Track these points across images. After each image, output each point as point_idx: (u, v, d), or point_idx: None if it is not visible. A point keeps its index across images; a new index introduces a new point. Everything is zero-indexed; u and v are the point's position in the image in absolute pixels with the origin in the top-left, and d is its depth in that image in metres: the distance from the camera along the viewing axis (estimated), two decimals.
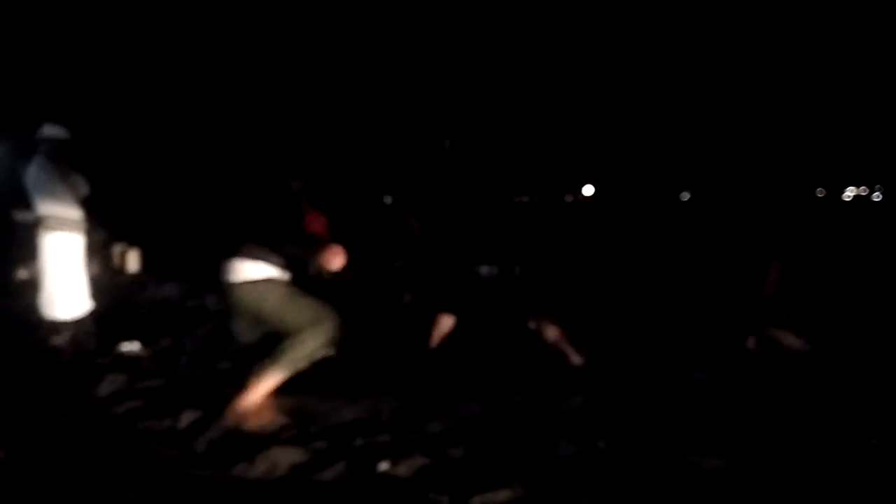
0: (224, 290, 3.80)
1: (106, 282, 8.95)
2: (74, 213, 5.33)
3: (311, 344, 3.65)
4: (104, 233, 10.56)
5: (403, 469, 3.14)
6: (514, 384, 4.43)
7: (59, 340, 5.25)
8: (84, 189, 5.43)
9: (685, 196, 56.49)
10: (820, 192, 55.08)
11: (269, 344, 3.72)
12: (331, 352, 3.88)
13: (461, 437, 3.57)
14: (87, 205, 5.50)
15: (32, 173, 5.27)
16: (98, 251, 10.14)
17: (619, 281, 9.31)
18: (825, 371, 4.77)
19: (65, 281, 5.30)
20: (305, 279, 3.86)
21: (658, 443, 3.49)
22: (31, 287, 6.26)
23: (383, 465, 3.15)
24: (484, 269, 5.11)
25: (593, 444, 3.46)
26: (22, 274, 8.26)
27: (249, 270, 3.64)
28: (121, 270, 10.26)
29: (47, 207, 5.22)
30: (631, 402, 4.12)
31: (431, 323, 5.20)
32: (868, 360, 5.05)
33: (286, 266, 3.73)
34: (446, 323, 5.16)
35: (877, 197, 57.79)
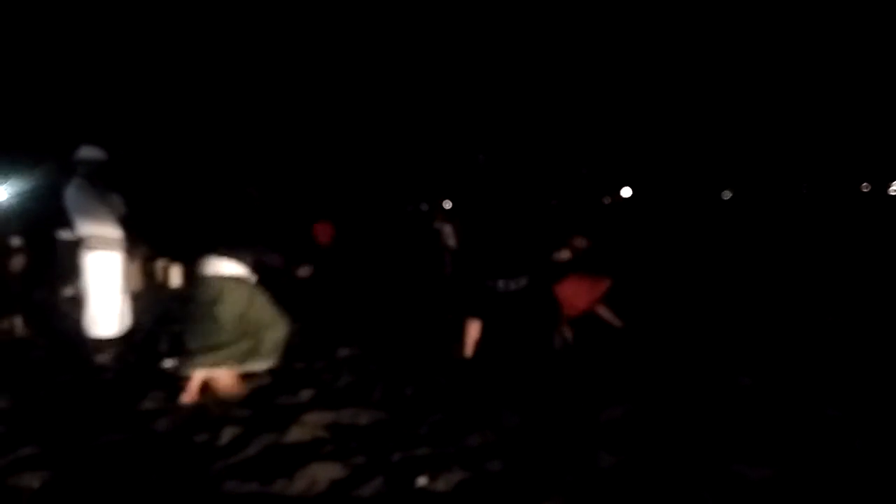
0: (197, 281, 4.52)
1: (149, 297, 9.13)
2: (113, 232, 5.42)
3: (263, 344, 4.48)
4: (147, 249, 10.82)
5: (442, 484, 3.11)
6: (555, 394, 4.38)
7: (103, 358, 5.34)
8: (122, 208, 5.53)
9: (727, 195, 55.69)
10: (866, 187, 53.90)
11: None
12: (275, 358, 4.57)
13: (500, 450, 3.53)
14: (126, 224, 5.60)
15: (71, 194, 5.38)
16: (142, 268, 10.40)
17: (662, 282, 9.18)
18: (874, 375, 4.62)
19: (105, 299, 5.39)
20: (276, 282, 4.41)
21: (701, 453, 3.40)
22: (76, 305, 6.39)
23: (421, 481, 3.13)
24: (503, 283, 5.08)
25: (635, 456, 3.39)
26: (67, 292, 8.42)
27: (221, 267, 4.34)
28: (164, 286, 10.44)
29: (87, 227, 5.32)
30: (674, 411, 4.03)
31: (465, 332, 5.18)
32: None
33: (254, 268, 4.46)
34: (476, 331, 5.16)
35: None
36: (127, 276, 5.60)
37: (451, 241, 11.36)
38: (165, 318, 7.44)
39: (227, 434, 3.78)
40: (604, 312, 6.03)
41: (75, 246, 5.50)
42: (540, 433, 3.75)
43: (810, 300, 7.44)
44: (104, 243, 5.36)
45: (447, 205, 22.90)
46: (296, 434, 3.73)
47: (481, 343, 5.17)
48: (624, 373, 4.81)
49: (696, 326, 6.30)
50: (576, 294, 5.60)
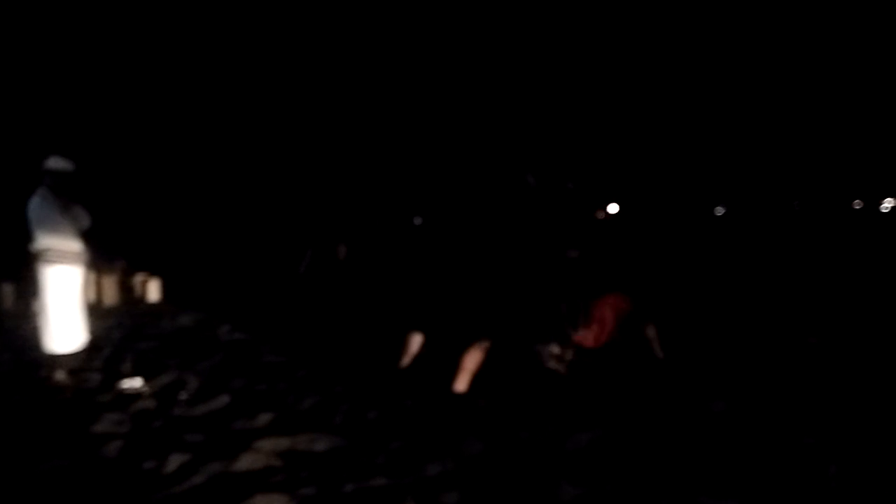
0: None
1: (124, 312, 8.97)
2: (74, 245, 5.26)
3: None
4: (124, 263, 10.67)
5: None
6: (522, 419, 4.22)
7: (61, 376, 5.17)
8: (85, 221, 5.36)
9: (720, 211, 55.67)
10: (858, 204, 53.99)
11: None
12: None
13: (459, 479, 3.37)
14: (100, 237, 5.45)
15: (34, 205, 5.21)
16: (119, 282, 10.24)
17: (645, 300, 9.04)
18: (856, 401, 4.48)
19: (63, 314, 5.22)
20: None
21: (667, 484, 3.26)
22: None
23: None
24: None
25: (598, 487, 3.24)
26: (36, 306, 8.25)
27: None
28: (141, 300, 10.26)
29: (47, 240, 5.16)
30: (642, 438, 3.89)
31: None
32: None
33: None
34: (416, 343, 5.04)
35: None
36: (100, 291, 5.43)
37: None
38: (136, 335, 7.27)
39: (175, 461, 3.62)
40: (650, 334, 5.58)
41: (33, 259, 5.33)
42: (502, 461, 3.60)
43: (794, 320, 7.31)
44: (63, 256, 5.19)
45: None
46: (246, 461, 3.57)
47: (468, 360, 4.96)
48: (594, 397, 4.66)
49: (673, 347, 6.16)
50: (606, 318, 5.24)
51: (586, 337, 5.10)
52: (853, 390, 4.71)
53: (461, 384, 4.63)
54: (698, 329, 6.91)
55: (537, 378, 4.94)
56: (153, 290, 10.43)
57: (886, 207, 54.90)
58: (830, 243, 19.54)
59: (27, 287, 8.25)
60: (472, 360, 4.66)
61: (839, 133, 50.16)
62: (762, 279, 11.22)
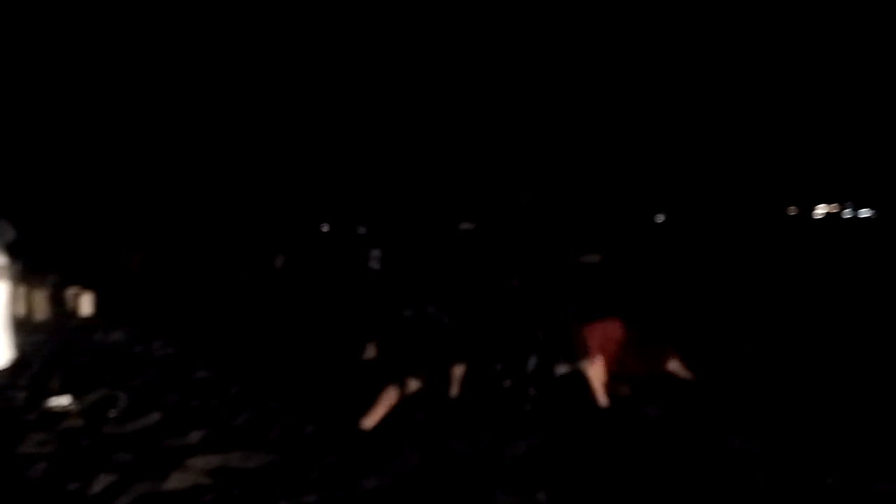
0: None
1: (56, 326, 8.70)
2: None
3: None
4: (56, 276, 10.35)
5: None
6: (460, 430, 4.21)
7: None
8: (9, 235, 5.19)
9: (660, 218, 56.75)
10: (792, 211, 55.62)
11: None
12: None
13: (395, 493, 3.35)
14: (16, 251, 5.27)
15: None
16: (51, 295, 9.92)
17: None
18: (785, 403, 4.59)
19: None
20: None
21: (600, 491, 3.29)
22: None
23: None
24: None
25: (533, 497, 3.25)
26: None
27: None
28: (74, 314, 9.96)
29: None
30: (580, 445, 3.92)
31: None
32: (832, 391, 4.88)
33: None
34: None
35: (847, 214, 58.45)
36: (30, 305, 5.25)
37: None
38: (66, 351, 7.04)
39: (102, 482, 3.50)
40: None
41: None
42: (438, 474, 3.59)
43: (727, 324, 7.47)
44: None
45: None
46: (176, 481, 3.48)
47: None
48: (532, 405, 4.67)
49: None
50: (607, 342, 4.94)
51: (598, 368, 4.74)
52: (783, 394, 4.82)
53: (370, 421, 4.28)
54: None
55: (478, 393, 4.89)
56: (86, 304, 10.12)
57: (819, 214, 56.81)
58: (767, 249, 20.07)
59: None
60: (388, 398, 4.36)
61: (774, 141, 51.58)
62: (700, 284, 11.44)
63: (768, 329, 7.21)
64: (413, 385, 4.41)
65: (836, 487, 3.29)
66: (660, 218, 53.50)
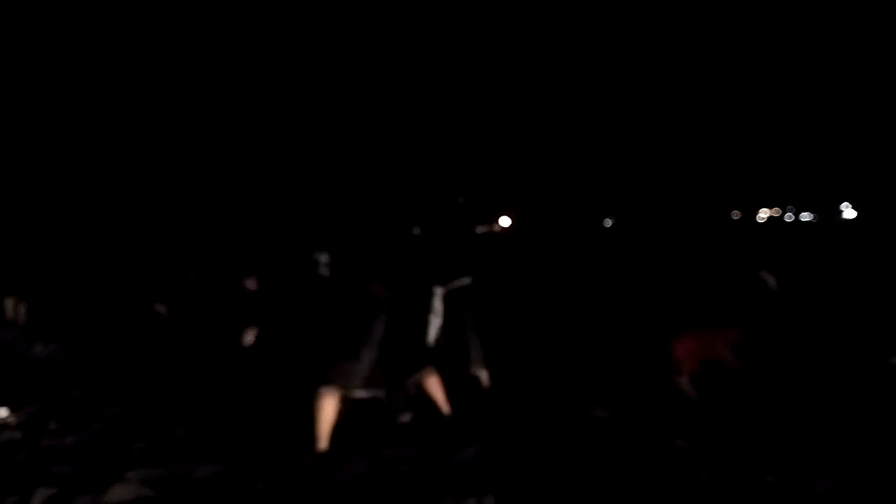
0: None
1: None
2: None
3: None
4: None
5: None
6: (408, 436, 4.19)
7: None
8: None
9: (608, 222, 57.64)
10: (736, 215, 56.94)
11: None
12: None
13: (341, 502, 3.33)
14: None
15: None
16: None
17: (531, 310, 9.21)
18: (725, 403, 4.68)
19: None
20: None
21: (551, 495, 3.31)
22: None
23: None
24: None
25: (481, 501, 3.26)
26: None
27: None
28: (12, 324, 9.67)
29: None
30: (528, 448, 3.94)
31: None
32: (774, 391, 4.99)
33: None
34: None
35: (788, 218, 60.17)
36: None
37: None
38: (3, 362, 6.83)
39: (41, 496, 3.40)
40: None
41: None
42: (386, 480, 3.57)
43: (671, 326, 7.57)
44: None
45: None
46: (117, 493, 3.38)
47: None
48: (480, 408, 4.68)
49: (555, 355, 6.32)
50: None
51: None
52: (727, 394, 4.90)
53: (323, 442, 3.90)
54: (580, 336, 7.10)
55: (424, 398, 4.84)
56: (24, 314, 9.85)
57: (762, 217, 58.32)
58: (713, 252, 20.43)
59: None
60: (326, 412, 3.92)
61: (719, 149, 52.75)
62: (650, 286, 11.59)
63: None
64: (358, 393, 4.16)
65: (777, 485, 3.36)
66: (608, 222, 54.31)
